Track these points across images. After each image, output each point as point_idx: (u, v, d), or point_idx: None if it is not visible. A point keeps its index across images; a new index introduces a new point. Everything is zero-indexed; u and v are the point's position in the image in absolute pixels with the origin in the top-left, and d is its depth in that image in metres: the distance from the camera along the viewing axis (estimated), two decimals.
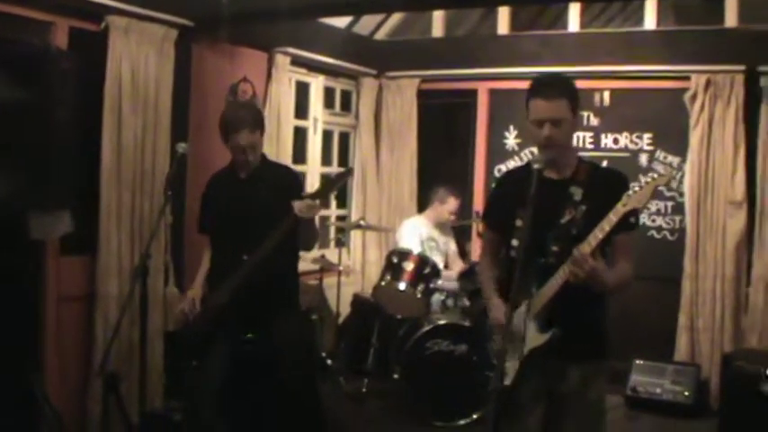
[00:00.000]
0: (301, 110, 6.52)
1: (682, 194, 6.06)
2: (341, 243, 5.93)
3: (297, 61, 6.07)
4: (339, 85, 6.98)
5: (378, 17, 6.94)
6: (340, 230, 6.17)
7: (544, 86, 2.91)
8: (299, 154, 6.48)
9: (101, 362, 3.51)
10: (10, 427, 3.85)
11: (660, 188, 3.68)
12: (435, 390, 5.25)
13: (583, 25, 6.61)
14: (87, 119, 4.32)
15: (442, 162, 7.15)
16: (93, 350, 4.49)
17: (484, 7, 7.02)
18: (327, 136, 6.94)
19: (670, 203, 6.19)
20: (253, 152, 3.85)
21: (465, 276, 5.73)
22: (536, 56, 6.38)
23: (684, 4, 6.98)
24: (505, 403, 2.70)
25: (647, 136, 6.28)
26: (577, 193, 2.90)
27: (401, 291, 5.47)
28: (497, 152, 6.85)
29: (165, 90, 4.78)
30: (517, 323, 2.85)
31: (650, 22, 6.27)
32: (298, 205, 3.53)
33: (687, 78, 5.89)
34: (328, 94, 6.88)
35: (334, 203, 7.04)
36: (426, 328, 5.30)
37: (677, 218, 6.16)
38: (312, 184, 6.45)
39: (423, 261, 5.55)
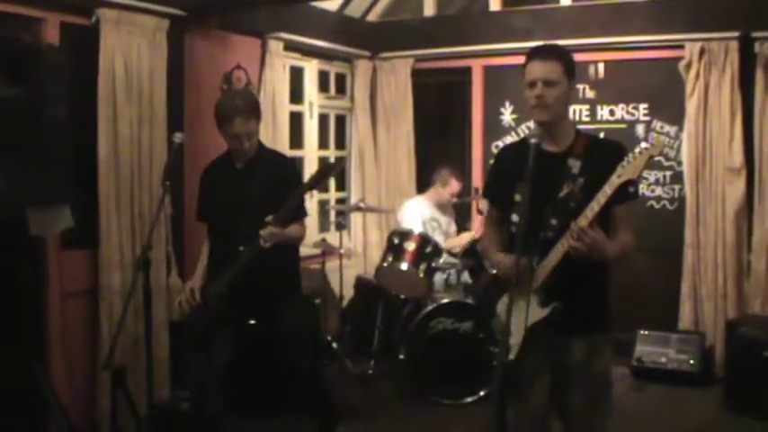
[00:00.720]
0: (296, 95, 6.51)
1: (680, 163, 6.07)
2: (341, 226, 5.92)
3: (290, 46, 6.06)
4: (333, 69, 6.97)
5: None
6: (340, 213, 6.15)
7: (540, 50, 2.95)
8: (296, 139, 6.47)
9: (107, 356, 3.51)
10: (18, 424, 3.87)
11: (658, 158, 3.68)
12: (442, 368, 5.27)
13: None
14: (82, 113, 4.32)
15: (439, 141, 7.15)
16: (98, 344, 4.51)
17: None
18: (324, 120, 6.94)
19: (669, 173, 6.19)
20: (248, 140, 3.82)
21: (467, 254, 5.75)
22: (529, 31, 6.36)
23: None
24: (510, 378, 2.70)
25: (643, 106, 6.27)
26: (575, 165, 2.89)
27: (403, 271, 5.47)
28: (494, 129, 6.84)
29: (159, 81, 4.77)
30: (526, 271, 2.84)
31: None
32: (262, 233, 3.58)
33: (681, 47, 5.88)
34: (323, 77, 6.86)
35: (333, 186, 7.05)
36: (430, 307, 5.32)
37: (676, 187, 6.16)
38: (310, 168, 6.44)
39: (424, 240, 5.54)
